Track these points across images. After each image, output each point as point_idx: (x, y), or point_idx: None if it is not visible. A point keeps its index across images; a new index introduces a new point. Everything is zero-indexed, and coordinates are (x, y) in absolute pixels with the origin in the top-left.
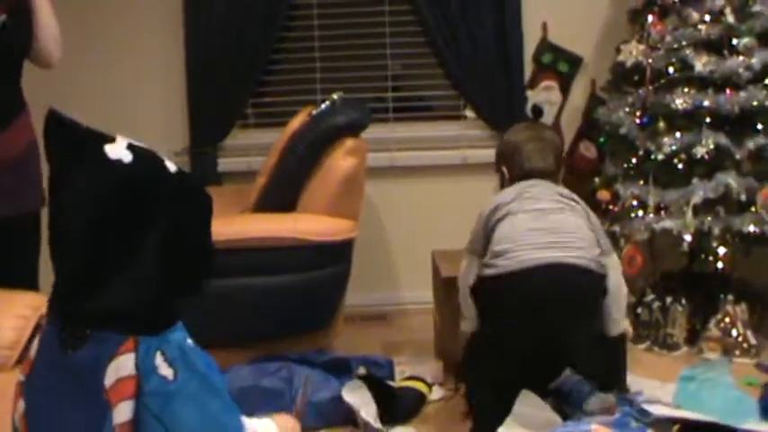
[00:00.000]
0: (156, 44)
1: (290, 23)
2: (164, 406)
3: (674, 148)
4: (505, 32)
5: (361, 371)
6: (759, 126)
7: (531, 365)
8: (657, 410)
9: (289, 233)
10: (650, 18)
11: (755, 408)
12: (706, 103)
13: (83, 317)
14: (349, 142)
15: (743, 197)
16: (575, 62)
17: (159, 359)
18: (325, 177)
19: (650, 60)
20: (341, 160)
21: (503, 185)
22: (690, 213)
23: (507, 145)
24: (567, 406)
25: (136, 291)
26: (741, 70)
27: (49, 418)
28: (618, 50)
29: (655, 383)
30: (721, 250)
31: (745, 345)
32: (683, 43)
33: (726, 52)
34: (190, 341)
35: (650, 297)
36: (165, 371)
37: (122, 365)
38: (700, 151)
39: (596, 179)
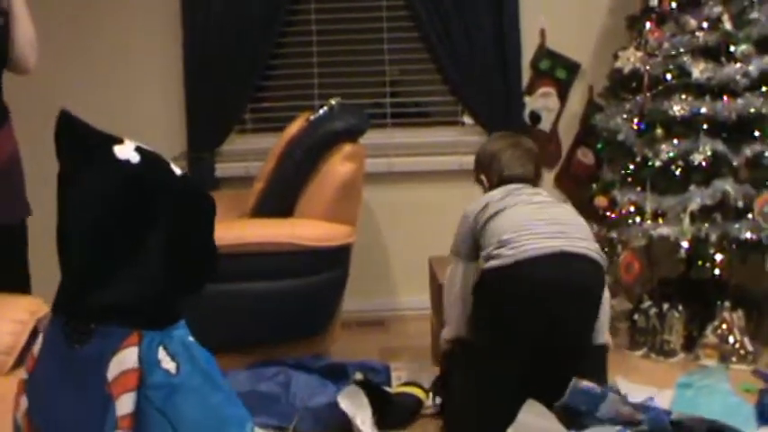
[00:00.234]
0: (154, 49)
1: (288, 29)
2: (166, 399)
3: (671, 154)
4: (503, 39)
5: (358, 376)
6: (756, 133)
7: (538, 360)
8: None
9: (286, 238)
10: (648, 25)
11: (754, 414)
12: (703, 109)
13: (88, 312)
14: (347, 148)
15: (740, 204)
16: (572, 69)
17: (162, 353)
18: (322, 183)
19: (648, 67)
20: (339, 166)
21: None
22: (687, 220)
23: (485, 154)
24: (579, 416)
25: (140, 288)
26: (738, 77)
27: (53, 413)
28: (615, 57)
29: (652, 390)
30: (718, 257)
31: (741, 351)
32: (681, 50)
33: (723, 59)
34: (191, 338)
35: (647, 303)
36: (168, 364)
37: (125, 359)
38: (697, 158)
39: (594, 185)
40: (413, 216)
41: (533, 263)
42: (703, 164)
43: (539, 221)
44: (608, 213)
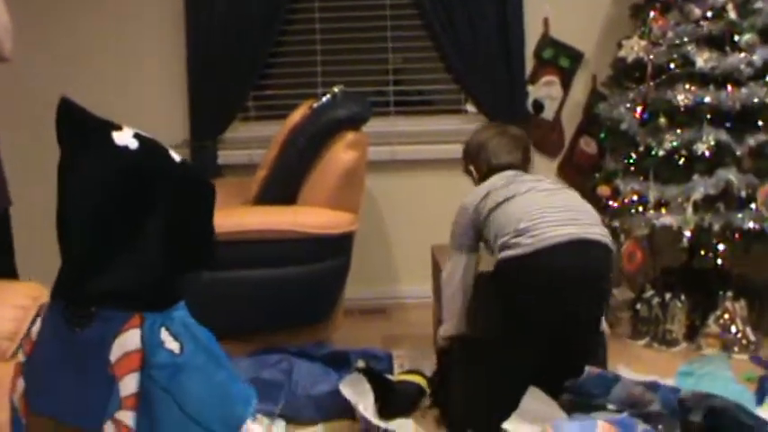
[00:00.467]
0: (157, 36)
1: (292, 17)
2: (171, 378)
3: (674, 144)
4: (507, 27)
5: (361, 364)
6: (760, 123)
7: (551, 349)
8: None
9: (289, 226)
10: (652, 14)
11: (754, 401)
12: (707, 99)
13: (88, 297)
14: (350, 135)
15: (743, 194)
16: (576, 57)
17: (165, 334)
18: (325, 170)
19: (651, 56)
20: (341, 153)
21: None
22: (690, 209)
23: (472, 144)
24: (589, 398)
25: (139, 273)
26: (742, 67)
27: (54, 396)
28: (619, 46)
29: (653, 379)
30: (721, 247)
31: (744, 341)
32: (685, 39)
33: (727, 48)
34: (191, 319)
35: (650, 293)
36: (172, 345)
37: (128, 340)
38: (700, 147)
39: (596, 175)
40: (415, 204)
41: (552, 251)
42: (707, 153)
43: (552, 209)
44: (611, 203)
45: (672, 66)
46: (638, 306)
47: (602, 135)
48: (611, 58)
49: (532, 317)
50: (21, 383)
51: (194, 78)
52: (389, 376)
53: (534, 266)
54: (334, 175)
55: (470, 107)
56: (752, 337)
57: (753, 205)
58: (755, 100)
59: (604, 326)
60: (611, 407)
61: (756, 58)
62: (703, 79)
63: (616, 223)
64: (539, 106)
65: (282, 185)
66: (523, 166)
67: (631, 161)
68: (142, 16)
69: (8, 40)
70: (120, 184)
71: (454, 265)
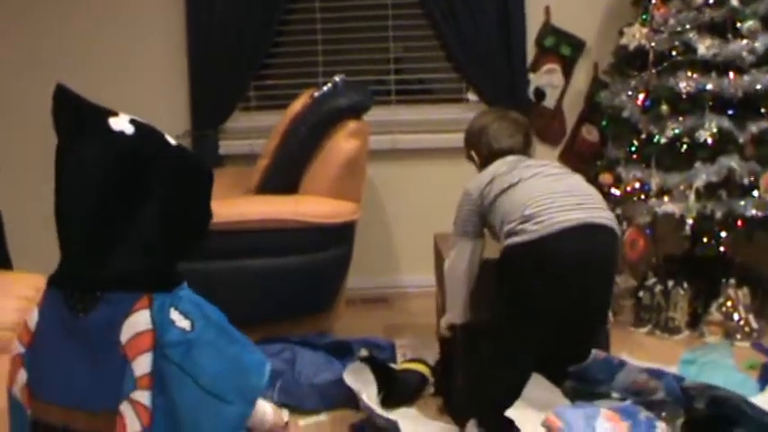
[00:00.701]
0: (158, 26)
1: (293, 6)
2: (185, 354)
3: (676, 131)
4: (508, 15)
5: (364, 352)
6: (762, 110)
7: (558, 335)
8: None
9: (290, 215)
10: (653, 1)
11: (757, 389)
12: (709, 86)
13: (91, 281)
14: (351, 124)
15: (746, 181)
16: (577, 45)
17: (175, 314)
18: (327, 159)
19: (653, 44)
20: (343, 142)
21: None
22: (692, 197)
23: (472, 129)
24: (594, 384)
25: (138, 257)
26: (744, 54)
27: (61, 382)
28: (621, 34)
29: (656, 367)
30: (723, 234)
31: (746, 329)
32: (687, 26)
33: (729, 35)
34: (199, 297)
35: (652, 281)
36: (183, 323)
37: (138, 321)
38: (702, 135)
39: (598, 162)
40: (417, 193)
41: (559, 237)
42: (709, 141)
43: (558, 194)
44: (613, 190)
45: (674, 53)
46: (641, 294)
47: (604, 123)
48: (612, 45)
49: (539, 303)
50: (22, 375)
51: (195, 68)
52: (392, 365)
53: (541, 252)
54: (336, 164)
55: (471, 96)
56: (754, 325)
57: (755, 192)
58: (758, 87)
59: (609, 313)
60: (614, 395)
61: (758, 45)
62: (705, 66)
63: (618, 211)
64: (540, 94)
65: (284, 175)
66: (525, 150)
67: (633, 149)
68: (143, 6)
69: None
70: (117, 169)
71: (459, 251)
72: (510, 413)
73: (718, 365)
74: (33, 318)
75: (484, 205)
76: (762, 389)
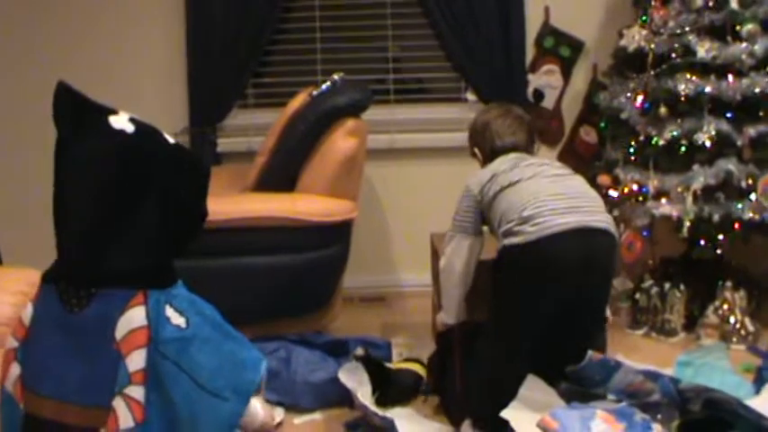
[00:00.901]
0: (157, 24)
1: (292, 4)
2: (181, 351)
3: (675, 133)
4: (508, 16)
5: (360, 351)
6: (761, 113)
7: (553, 336)
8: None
9: (288, 213)
10: (653, 3)
11: (753, 392)
12: (708, 89)
13: (87, 277)
14: (349, 123)
15: (743, 184)
16: (576, 46)
17: (170, 311)
18: (324, 158)
19: (652, 45)
20: (341, 141)
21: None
22: (690, 199)
23: (476, 126)
24: (590, 385)
25: (137, 253)
26: (744, 57)
27: (55, 376)
28: (620, 35)
29: (652, 369)
30: (720, 237)
31: (742, 331)
32: (686, 29)
33: (729, 38)
34: (194, 296)
35: (649, 283)
36: (178, 320)
37: (133, 318)
38: (701, 137)
39: (596, 164)
40: (414, 192)
41: (556, 239)
42: (707, 143)
43: (556, 196)
44: (611, 192)
45: (673, 55)
46: (637, 296)
47: (603, 124)
48: (611, 47)
49: (536, 305)
50: (15, 369)
51: (194, 66)
52: (388, 364)
53: (538, 254)
54: (334, 163)
55: (470, 96)
56: (750, 328)
57: (753, 196)
58: (756, 90)
59: (608, 313)
60: (610, 396)
61: (757, 48)
62: (704, 69)
63: (616, 213)
64: (539, 95)
65: (281, 173)
66: (527, 147)
67: (632, 151)
68: (142, 4)
69: None
70: (116, 166)
71: (455, 249)
72: (505, 414)
73: (714, 368)
74: (28, 313)
75: (483, 202)
76: (757, 391)
